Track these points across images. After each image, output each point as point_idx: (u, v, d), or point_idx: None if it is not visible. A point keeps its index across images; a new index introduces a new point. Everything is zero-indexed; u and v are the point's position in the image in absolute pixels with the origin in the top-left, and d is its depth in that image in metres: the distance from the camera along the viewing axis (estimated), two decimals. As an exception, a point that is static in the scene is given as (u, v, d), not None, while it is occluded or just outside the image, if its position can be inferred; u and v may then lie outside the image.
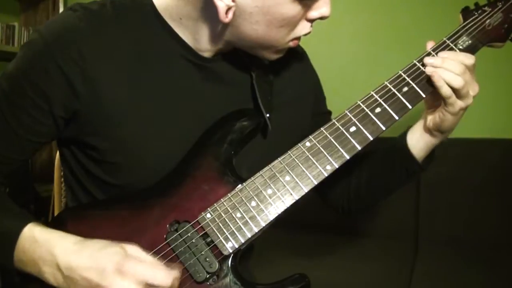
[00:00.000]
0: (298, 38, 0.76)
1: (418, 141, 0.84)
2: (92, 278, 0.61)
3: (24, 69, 0.72)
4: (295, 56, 0.91)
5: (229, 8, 0.68)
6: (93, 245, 0.64)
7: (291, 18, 0.71)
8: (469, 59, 0.75)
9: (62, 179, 1.38)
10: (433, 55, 0.77)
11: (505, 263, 1.55)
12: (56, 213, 1.44)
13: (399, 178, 0.89)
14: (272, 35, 0.72)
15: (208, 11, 0.72)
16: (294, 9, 0.69)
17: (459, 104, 0.76)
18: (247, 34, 0.73)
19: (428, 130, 0.82)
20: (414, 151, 0.84)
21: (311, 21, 0.74)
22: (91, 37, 0.72)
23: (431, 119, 0.81)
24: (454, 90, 0.74)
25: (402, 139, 0.85)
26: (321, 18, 0.74)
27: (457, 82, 0.73)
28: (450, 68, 0.73)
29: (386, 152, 0.90)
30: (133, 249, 0.64)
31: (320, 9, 0.73)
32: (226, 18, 0.69)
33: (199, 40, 0.77)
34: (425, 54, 0.77)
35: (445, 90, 0.74)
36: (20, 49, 0.75)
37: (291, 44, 0.77)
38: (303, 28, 0.75)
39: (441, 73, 0.73)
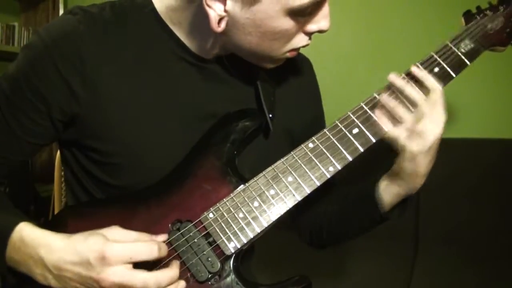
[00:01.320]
0: (295, 49, 0.74)
1: (385, 188, 0.78)
2: (80, 272, 0.62)
3: (24, 72, 0.72)
4: (299, 61, 0.91)
5: (221, 18, 0.68)
6: (75, 239, 0.64)
7: (284, 32, 0.69)
8: (432, 88, 0.71)
9: (62, 179, 1.39)
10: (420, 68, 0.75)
11: (504, 263, 1.56)
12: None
13: (361, 222, 0.84)
14: (266, 47, 0.71)
15: (203, 19, 0.71)
16: (288, 23, 0.67)
17: (412, 147, 0.70)
18: (240, 44, 0.72)
19: (392, 174, 0.77)
20: (381, 196, 0.78)
21: (309, 34, 0.72)
22: (90, 40, 0.71)
23: (395, 161, 0.75)
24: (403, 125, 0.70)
25: (374, 181, 0.80)
26: (320, 31, 0.72)
27: (406, 117, 0.70)
28: (407, 94, 0.70)
29: (354, 191, 0.86)
30: (113, 232, 0.64)
31: (318, 23, 0.70)
32: (219, 28, 0.68)
33: (198, 44, 0.76)
34: (428, 57, 0.77)
35: (388, 129, 0.71)
36: (20, 52, 0.75)
37: (288, 55, 0.74)
38: (301, 40, 0.72)
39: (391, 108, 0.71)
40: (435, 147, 0.71)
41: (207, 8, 0.67)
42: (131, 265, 0.62)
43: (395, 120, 0.72)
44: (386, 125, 0.72)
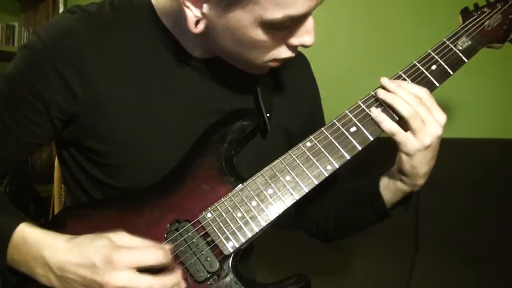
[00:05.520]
0: (278, 60, 0.71)
1: (388, 183, 0.79)
2: (85, 275, 0.61)
3: (22, 72, 0.72)
4: (297, 61, 0.90)
5: (199, 20, 0.66)
6: (81, 242, 0.64)
7: (261, 43, 0.65)
8: (420, 90, 0.71)
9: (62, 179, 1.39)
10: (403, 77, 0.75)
11: (504, 262, 1.56)
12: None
13: (365, 216, 0.84)
14: (243, 54, 0.69)
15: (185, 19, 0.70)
16: (263, 35, 0.64)
17: (412, 143, 0.70)
18: (220, 47, 0.70)
19: (395, 171, 0.76)
20: (384, 192, 0.79)
21: (292, 47, 0.69)
22: (89, 39, 0.71)
23: (397, 158, 0.75)
24: (405, 122, 0.70)
25: (377, 177, 0.81)
26: (303, 46, 0.68)
27: (405, 110, 0.69)
28: (401, 95, 0.70)
29: (358, 186, 0.86)
30: (120, 237, 0.64)
31: (301, 38, 0.66)
32: (196, 29, 0.67)
33: (193, 45, 0.76)
34: (425, 54, 0.77)
35: (386, 125, 0.71)
36: (18, 51, 0.74)
37: (271, 64, 0.72)
38: (282, 52, 0.69)
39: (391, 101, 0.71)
40: (435, 146, 0.71)
41: (184, 8, 0.65)
42: (135, 270, 0.62)
43: (393, 117, 0.72)
44: (383, 122, 0.72)
